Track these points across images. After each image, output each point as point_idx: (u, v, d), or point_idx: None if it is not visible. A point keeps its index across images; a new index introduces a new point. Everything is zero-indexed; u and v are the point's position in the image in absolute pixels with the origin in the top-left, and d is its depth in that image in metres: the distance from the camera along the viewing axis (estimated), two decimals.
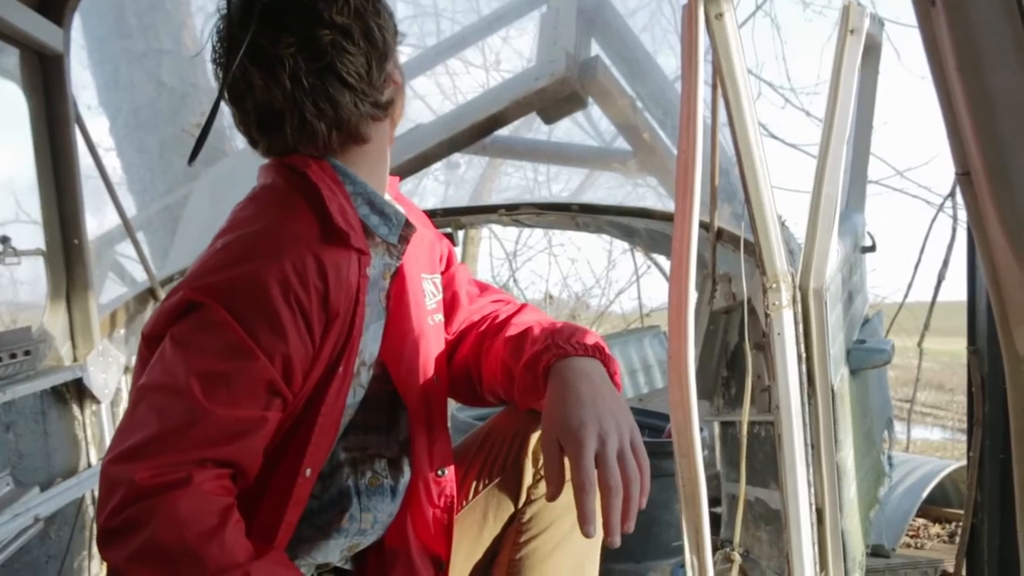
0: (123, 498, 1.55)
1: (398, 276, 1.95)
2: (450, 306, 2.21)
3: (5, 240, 2.81)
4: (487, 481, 2.11)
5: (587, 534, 1.67)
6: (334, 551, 1.98)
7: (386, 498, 2.03)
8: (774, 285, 2.69)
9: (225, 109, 1.85)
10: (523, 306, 2.24)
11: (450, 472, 2.03)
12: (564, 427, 1.75)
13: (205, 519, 1.57)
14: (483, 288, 2.35)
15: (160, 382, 1.67)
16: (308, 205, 1.77)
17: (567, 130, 5.71)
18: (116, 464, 1.60)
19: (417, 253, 2.04)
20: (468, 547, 2.10)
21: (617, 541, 1.68)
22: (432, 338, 2.06)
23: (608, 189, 6.36)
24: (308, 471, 1.80)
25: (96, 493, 3.08)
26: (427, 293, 2.08)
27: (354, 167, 1.87)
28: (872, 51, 3.43)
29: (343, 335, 1.78)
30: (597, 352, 1.91)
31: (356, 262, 1.79)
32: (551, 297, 12.74)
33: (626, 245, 11.43)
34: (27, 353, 2.85)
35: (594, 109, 5.06)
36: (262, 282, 1.68)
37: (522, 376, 1.94)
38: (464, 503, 2.09)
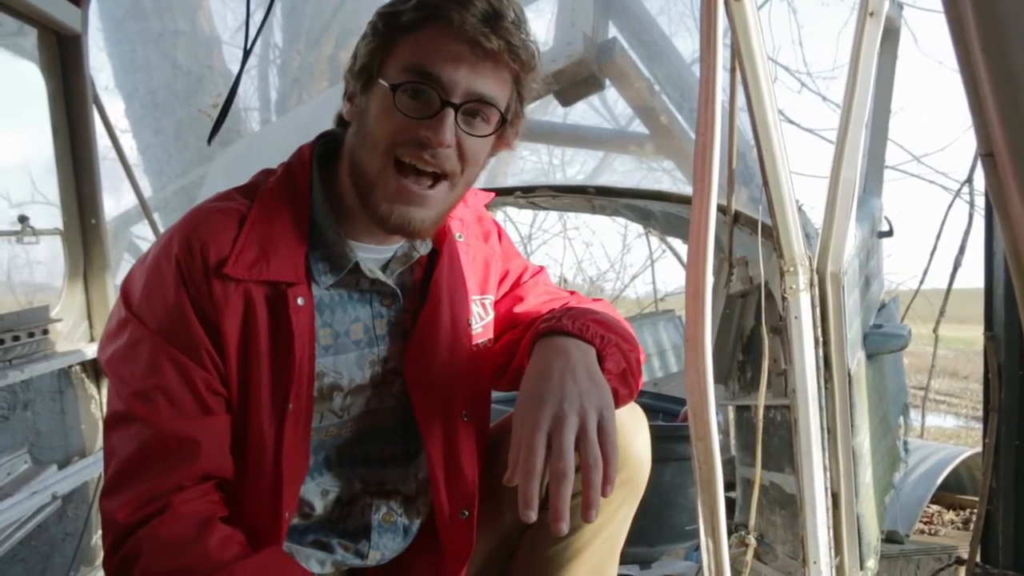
0: (114, 540, 1.62)
1: (430, 298, 1.89)
2: (511, 324, 2.08)
3: (24, 219, 2.83)
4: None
5: (525, 519, 1.57)
6: (327, 567, 1.93)
7: (397, 537, 1.97)
8: (791, 269, 2.68)
9: (240, 91, 1.84)
10: (575, 297, 2.17)
11: (472, 516, 1.89)
12: (522, 403, 1.69)
13: (186, 535, 1.60)
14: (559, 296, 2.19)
15: (114, 412, 1.70)
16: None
17: (583, 113, 5.68)
18: (103, 500, 1.67)
19: (460, 274, 1.96)
20: (485, 545, 2.00)
21: (564, 528, 1.57)
22: (469, 365, 1.94)
23: (623, 173, 6.32)
24: (289, 505, 1.77)
25: None
26: (475, 315, 1.98)
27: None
28: (891, 35, 3.41)
29: (261, 365, 1.72)
30: (595, 338, 1.80)
31: (277, 292, 1.73)
32: (565, 281, 12.77)
33: (640, 229, 11.44)
34: (44, 332, 2.86)
35: (609, 92, 5.05)
36: (166, 284, 1.69)
37: (524, 351, 1.88)
38: (485, 498, 1.95)
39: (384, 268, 1.87)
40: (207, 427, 1.69)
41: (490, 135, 1.74)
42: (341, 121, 1.85)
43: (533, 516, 1.57)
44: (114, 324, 1.75)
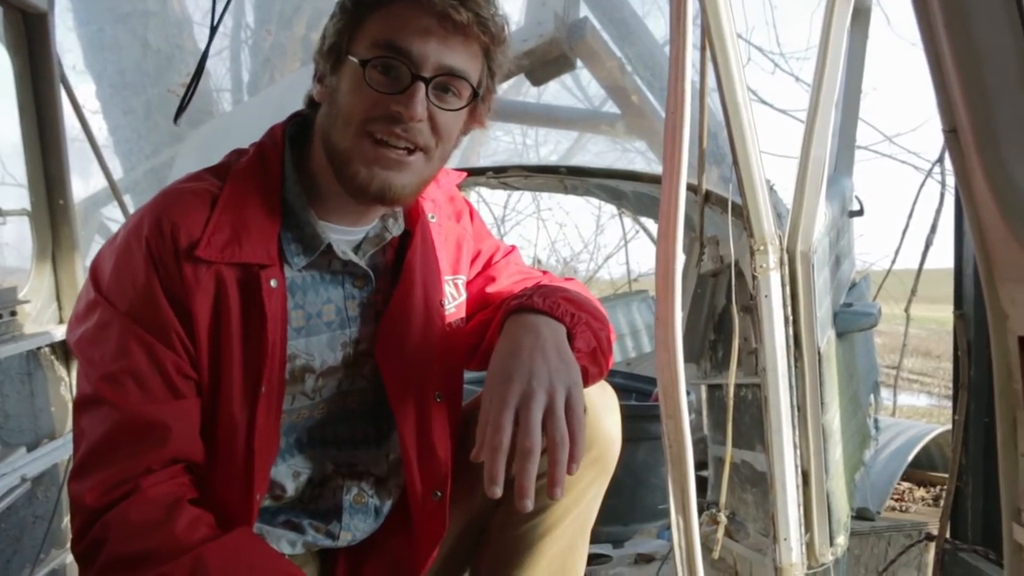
0: (82, 523, 1.62)
1: (402, 279, 1.88)
2: (482, 304, 2.07)
3: None
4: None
5: (491, 495, 1.56)
6: (297, 548, 1.92)
7: (369, 518, 1.97)
8: (761, 248, 2.69)
9: (208, 70, 1.82)
10: (547, 276, 2.16)
11: (445, 497, 1.89)
12: (491, 380, 1.68)
13: (154, 518, 1.60)
14: (531, 275, 2.17)
15: (82, 394, 1.69)
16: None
17: (555, 93, 5.68)
18: (71, 483, 1.65)
19: (433, 255, 1.95)
20: (456, 523, 1.98)
21: (528, 505, 1.57)
22: (442, 346, 1.93)
23: (596, 154, 6.33)
24: (260, 485, 1.77)
25: None
26: (447, 296, 1.98)
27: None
28: (861, 14, 3.43)
29: (233, 347, 1.71)
30: (565, 316, 1.79)
31: (249, 274, 1.72)
32: (539, 262, 12.76)
33: (614, 210, 11.45)
34: (12, 314, 2.84)
35: (582, 73, 5.05)
36: (136, 265, 1.67)
37: (495, 329, 1.87)
38: (457, 476, 1.93)
39: (356, 249, 1.86)
40: (177, 411, 1.68)
41: (462, 108, 1.73)
42: (312, 103, 1.83)
43: (498, 492, 1.56)
44: (83, 305, 1.73)
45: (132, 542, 1.58)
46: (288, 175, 1.79)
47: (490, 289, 2.08)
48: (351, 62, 1.69)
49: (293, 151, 1.82)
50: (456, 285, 2.02)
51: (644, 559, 3.97)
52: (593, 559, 3.75)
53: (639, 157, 5.59)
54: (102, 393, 1.64)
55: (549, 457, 1.60)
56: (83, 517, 1.62)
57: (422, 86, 1.65)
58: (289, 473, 1.88)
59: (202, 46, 1.82)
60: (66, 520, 3.03)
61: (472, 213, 2.13)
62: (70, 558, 3.02)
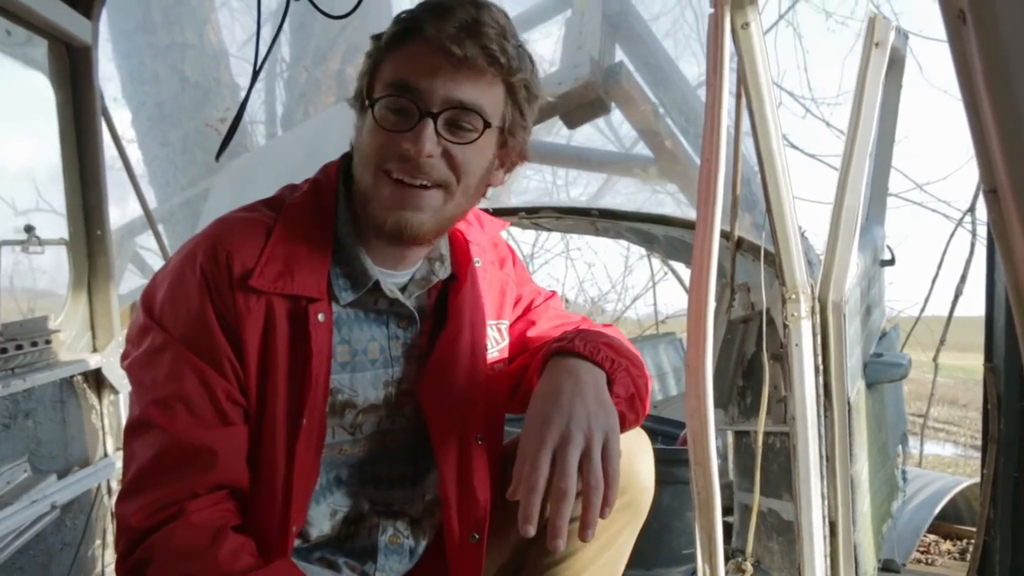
0: (127, 544, 1.64)
1: (450, 322, 1.89)
2: (522, 348, 2.08)
3: (30, 229, 2.84)
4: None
5: (524, 533, 1.57)
6: None
7: (403, 559, 1.97)
8: (793, 296, 2.69)
9: (249, 105, 1.85)
10: (585, 321, 2.16)
11: (483, 539, 1.89)
12: (530, 421, 1.70)
13: (198, 544, 1.61)
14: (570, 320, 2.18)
15: (133, 418, 1.71)
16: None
17: (587, 135, 5.70)
18: (118, 505, 1.69)
19: (480, 299, 1.97)
20: (490, 561, 1.99)
21: (560, 545, 1.57)
22: (485, 390, 1.94)
23: (627, 195, 6.35)
24: (297, 521, 1.78)
25: (111, 483, 3.11)
26: (491, 339, 1.99)
27: None
28: (896, 64, 3.43)
29: (278, 377, 1.73)
30: (605, 361, 1.81)
31: (298, 307, 1.74)
32: (567, 301, 12.74)
33: (643, 251, 11.44)
34: (47, 342, 2.87)
35: (614, 114, 5.07)
36: (189, 291, 1.70)
37: (534, 371, 1.88)
38: (493, 515, 1.93)
39: (402, 290, 1.87)
40: (225, 437, 1.70)
41: (476, 140, 1.73)
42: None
43: (532, 531, 1.57)
44: (135, 330, 1.76)
45: (176, 567, 1.60)
46: (340, 212, 1.82)
47: (531, 333, 2.10)
48: (367, 104, 1.72)
49: (345, 189, 1.84)
50: (500, 330, 2.03)
51: None
52: None
53: (669, 199, 5.59)
54: (152, 417, 1.67)
55: (584, 500, 1.61)
56: (128, 538, 1.64)
57: (430, 122, 1.66)
58: (328, 512, 1.89)
59: (238, 79, 1.86)
60: (93, 548, 3.04)
61: (515, 259, 2.16)
62: None
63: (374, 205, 1.73)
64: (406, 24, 1.70)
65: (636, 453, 2.00)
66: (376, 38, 1.75)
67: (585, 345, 1.81)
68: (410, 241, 1.77)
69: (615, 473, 1.65)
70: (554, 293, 2.23)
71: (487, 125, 1.73)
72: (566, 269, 15.87)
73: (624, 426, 1.80)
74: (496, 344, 2.01)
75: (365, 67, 1.76)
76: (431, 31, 1.64)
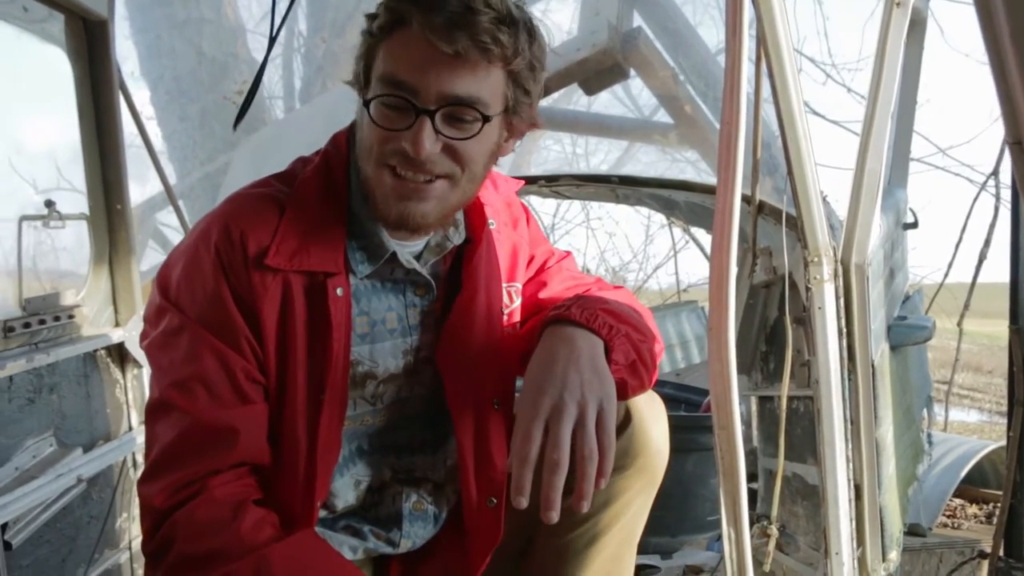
0: (151, 524, 1.66)
1: (465, 286, 1.88)
2: (535, 309, 2.05)
3: (50, 204, 2.84)
4: None
5: (516, 505, 1.58)
6: (358, 554, 1.93)
7: (428, 524, 1.98)
8: (816, 259, 2.67)
9: (264, 79, 1.84)
10: (598, 283, 2.15)
11: (500, 504, 1.88)
12: (524, 391, 1.69)
13: (220, 517, 1.63)
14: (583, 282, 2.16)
15: (153, 400, 1.72)
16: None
17: (606, 103, 5.66)
18: (141, 486, 1.70)
19: (495, 262, 1.96)
20: (509, 523, 1.96)
21: (553, 517, 1.58)
22: (499, 353, 1.94)
23: (646, 163, 6.31)
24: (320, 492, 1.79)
25: (136, 456, 3.12)
26: (504, 302, 1.99)
27: None
28: (917, 25, 3.40)
29: (298, 353, 1.74)
30: (603, 328, 1.78)
31: (315, 282, 1.74)
32: (588, 271, 12.73)
33: (663, 220, 11.41)
34: (71, 316, 2.88)
35: (633, 82, 5.04)
36: (205, 272, 1.71)
37: (535, 338, 1.85)
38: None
39: (417, 258, 1.86)
40: (245, 415, 1.71)
41: (477, 134, 1.69)
42: None
43: (523, 503, 1.58)
44: (152, 311, 1.76)
45: (199, 541, 1.61)
46: (353, 184, 1.80)
47: (542, 295, 2.08)
48: (363, 103, 1.69)
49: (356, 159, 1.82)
50: (512, 292, 2.02)
51: (693, 571, 3.95)
52: (641, 570, 3.74)
53: (690, 167, 5.57)
54: (172, 399, 1.68)
55: (577, 471, 1.61)
56: (152, 518, 1.66)
57: (427, 120, 1.63)
58: (351, 483, 1.90)
59: (255, 54, 1.85)
60: (120, 520, 3.06)
61: (529, 218, 2.14)
62: (124, 558, 3.06)
63: (377, 196, 1.72)
64: (394, 14, 1.65)
65: (648, 418, 1.99)
66: (369, 18, 1.69)
67: (582, 312, 1.80)
68: (414, 230, 1.77)
69: (610, 443, 1.65)
70: (568, 254, 2.21)
71: (487, 117, 1.69)
72: (587, 239, 15.93)
73: (627, 392, 1.81)
74: (509, 307, 2.00)
75: (360, 49, 1.72)
76: (418, 20, 1.60)
